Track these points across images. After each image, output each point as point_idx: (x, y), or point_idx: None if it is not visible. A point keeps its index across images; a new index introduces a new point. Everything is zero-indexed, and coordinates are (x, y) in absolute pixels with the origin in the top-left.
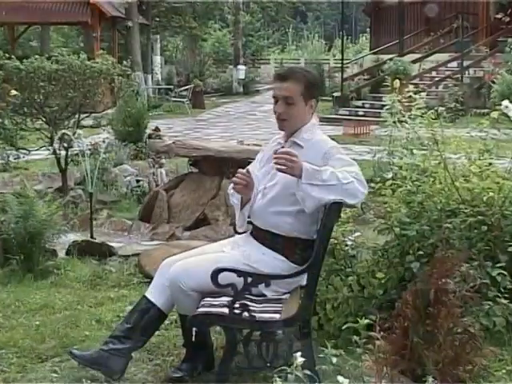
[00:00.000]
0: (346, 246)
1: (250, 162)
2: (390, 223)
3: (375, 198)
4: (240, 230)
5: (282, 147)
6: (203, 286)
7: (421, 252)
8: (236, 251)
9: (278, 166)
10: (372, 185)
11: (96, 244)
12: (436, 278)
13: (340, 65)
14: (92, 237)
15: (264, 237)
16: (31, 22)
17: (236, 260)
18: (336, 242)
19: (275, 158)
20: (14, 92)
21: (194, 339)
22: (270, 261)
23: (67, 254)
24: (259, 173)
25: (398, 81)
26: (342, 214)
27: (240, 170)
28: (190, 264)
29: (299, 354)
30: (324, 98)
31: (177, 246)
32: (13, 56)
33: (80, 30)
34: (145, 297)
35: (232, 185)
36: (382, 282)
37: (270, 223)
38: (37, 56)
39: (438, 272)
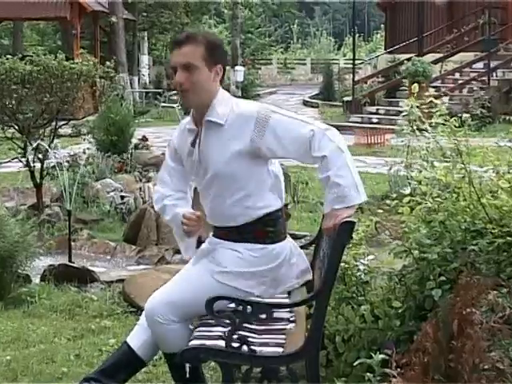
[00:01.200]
0: (359, 270)
1: None
2: (407, 245)
3: (391, 216)
4: (188, 257)
5: (197, 134)
6: (182, 312)
7: (443, 278)
8: (205, 259)
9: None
10: (388, 201)
11: (75, 269)
12: (460, 307)
13: (351, 65)
14: (70, 260)
15: (229, 233)
16: (2, 17)
17: (209, 270)
18: (347, 266)
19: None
20: None
21: (188, 376)
22: (247, 258)
23: (42, 279)
24: (186, 171)
25: (416, 84)
26: (353, 235)
27: (187, 215)
28: (161, 292)
29: None
30: (333, 103)
31: (166, 270)
32: None
33: (57, 26)
34: (125, 341)
35: (179, 229)
36: (399, 311)
37: (227, 219)
38: (8, 56)
39: (462, 300)
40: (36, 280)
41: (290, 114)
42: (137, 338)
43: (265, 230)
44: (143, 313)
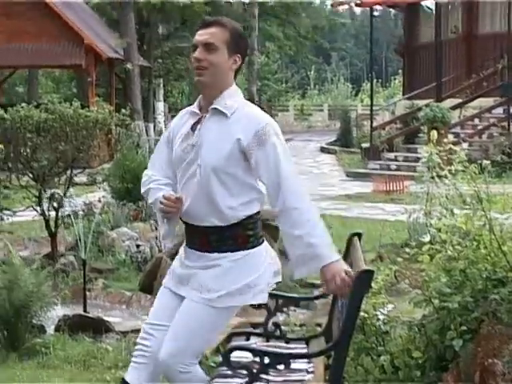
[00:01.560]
0: (378, 320)
1: (267, 224)
2: (427, 294)
3: (411, 264)
4: (168, 244)
5: (200, 119)
6: (198, 351)
7: (464, 327)
8: (192, 291)
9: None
10: (407, 250)
11: (90, 319)
12: (482, 357)
13: (369, 112)
14: (85, 310)
15: (206, 239)
16: (17, 65)
17: (203, 301)
18: (366, 316)
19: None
20: None
21: None
22: (234, 270)
23: (57, 330)
24: (174, 157)
25: (435, 130)
26: (372, 284)
27: (166, 195)
28: (172, 342)
29: None
30: (351, 149)
31: None
32: None
33: (73, 73)
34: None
35: (161, 213)
36: (420, 362)
37: (206, 216)
38: (24, 104)
39: (483, 351)
40: (51, 330)
41: (284, 146)
42: (134, 373)
43: (245, 233)
44: (137, 348)
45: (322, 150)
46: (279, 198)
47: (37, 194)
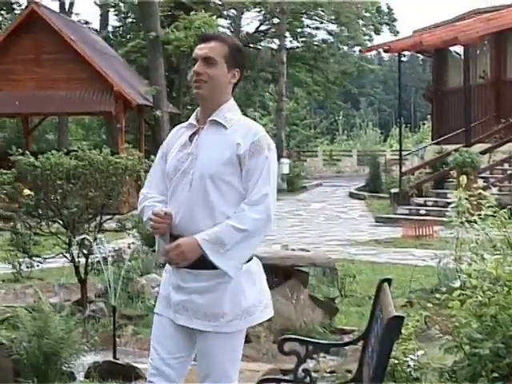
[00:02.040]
0: (408, 366)
1: (297, 270)
2: (458, 340)
3: (441, 310)
4: (162, 261)
5: (197, 130)
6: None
7: (495, 374)
8: (196, 320)
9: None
10: (437, 295)
11: (120, 366)
12: None
13: (398, 157)
14: (115, 357)
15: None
16: (47, 112)
17: (208, 328)
18: (396, 362)
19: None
20: (27, 192)
21: None
22: (234, 294)
23: (87, 377)
24: (167, 168)
25: (464, 175)
26: (402, 330)
27: (155, 210)
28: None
29: None
30: (380, 195)
31: None
32: (27, 151)
33: (102, 120)
34: None
35: (153, 230)
36: None
37: (199, 226)
38: (53, 151)
39: None
40: (80, 377)
41: (271, 165)
42: None
43: None
44: None
45: (351, 195)
46: (246, 205)
47: (67, 240)
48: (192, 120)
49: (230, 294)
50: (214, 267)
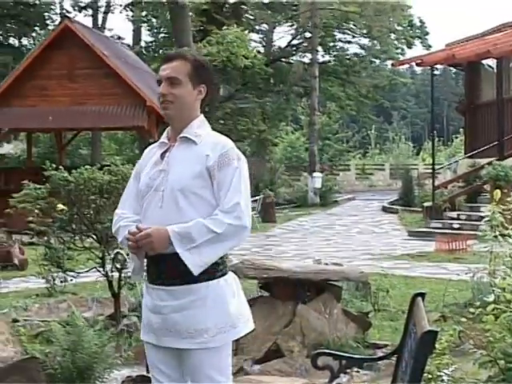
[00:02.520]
0: (442, 381)
1: (330, 284)
2: (492, 355)
3: (475, 325)
4: (137, 279)
5: (168, 148)
6: None
7: None
8: (182, 339)
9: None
10: (471, 310)
11: None
12: None
13: (431, 170)
14: (148, 371)
15: (176, 267)
16: (80, 127)
17: (193, 346)
18: (430, 376)
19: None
20: (61, 206)
21: None
22: (212, 309)
23: None
24: (140, 186)
25: (498, 189)
26: (436, 344)
27: (131, 229)
28: None
29: None
30: (413, 208)
31: (246, 381)
32: (60, 166)
33: (135, 135)
34: None
35: (130, 250)
36: None
37: None
38: (87, 166)
39: None
40: None
41: (240, 173)
42: None
43: (215, 261)
44: None
45: (384, 209)
46: (220, 212)
47: (100, 255)
48: (163, 138)
49: (210, 309)
50: (188, 282)
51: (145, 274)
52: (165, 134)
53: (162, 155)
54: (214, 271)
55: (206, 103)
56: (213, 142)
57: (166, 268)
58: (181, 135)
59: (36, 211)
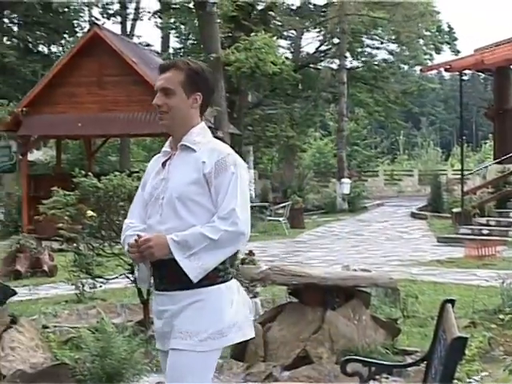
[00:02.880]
0: None
1: (359, 290)
2: None
3: (505, 331)
4: (145, 287)
5: (170, 157)
6: None
7: None
8: (181, 340)
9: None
10: (501, 316)
11: None
12: None
13: (460, 176)
14: None
15: (176, 273)
16: (109, 134)
17: (180, 346)
18: (460, 383)
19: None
20: (90, 213)
21: None
22: (208, 313)
23: None
24: (145, 195)
25: None
26: (466, 351)
27: (131, 242)
28: None
29: None
30: (442, 214)
31: None
32: (90, 173)
33: (163, 141)
34: None
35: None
36: None
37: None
38: (116, 172)
39: None
40: None
41: (237, 179)
42: None
43: (215, 267)
44: None
45: (413, 215)
46: (217, 218)
47: (129, 261)
48: (166, 147)
49: (204, 314)
50: (188, 287)
51: (152, 281)
52: (167, 142)
53: (164, 164)
54: (215, 277)
55: (237, 109)
56: (210, 149)
57: (167, 274)
58: (180, 143)
59: (65, 218)
